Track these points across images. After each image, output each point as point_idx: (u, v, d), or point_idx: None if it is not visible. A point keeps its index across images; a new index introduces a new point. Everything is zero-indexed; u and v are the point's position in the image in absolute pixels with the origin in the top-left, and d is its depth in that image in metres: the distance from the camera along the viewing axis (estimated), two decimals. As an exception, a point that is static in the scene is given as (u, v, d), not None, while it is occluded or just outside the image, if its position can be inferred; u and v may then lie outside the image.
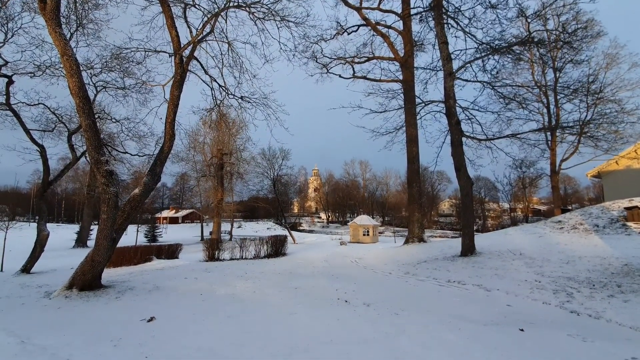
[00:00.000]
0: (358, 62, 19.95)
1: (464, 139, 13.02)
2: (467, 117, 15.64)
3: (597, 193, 58.21)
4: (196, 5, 11.09)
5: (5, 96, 13.18)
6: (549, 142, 22.40)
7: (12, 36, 12.55)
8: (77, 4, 12.37)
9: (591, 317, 5.54)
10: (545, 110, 23.17)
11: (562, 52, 20.22)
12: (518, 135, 14.46)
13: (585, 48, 18.75)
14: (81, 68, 8.58)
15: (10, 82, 13.17)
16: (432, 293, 7.69)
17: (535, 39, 13.81)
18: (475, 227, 15.87)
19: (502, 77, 15.70)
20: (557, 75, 21.66)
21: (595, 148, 17.50)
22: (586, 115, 19.98)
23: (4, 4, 10.95)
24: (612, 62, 20.53)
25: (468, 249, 11.53)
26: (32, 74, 13.48)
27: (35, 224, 15.66)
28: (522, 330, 4.78)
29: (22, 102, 14.11)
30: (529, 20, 14.80)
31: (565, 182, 66.52)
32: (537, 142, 19.06)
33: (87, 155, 13.80)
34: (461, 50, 14.24)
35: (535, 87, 22.05)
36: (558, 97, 22.01)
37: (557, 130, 21.05)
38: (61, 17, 8.28)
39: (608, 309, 5.75)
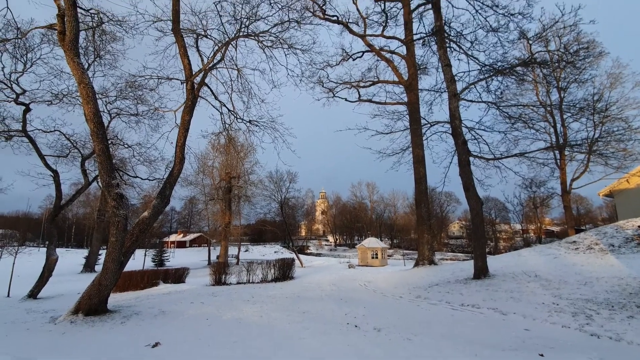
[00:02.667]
0: (363, 86, 20.39)
1: (471, 158, 12.98)
2: (473, 137, 15.64)
3: (610, 212, 56.78)
4: (208, 36, 11.64)
5: (22, 123, 13.71)
6: (558, 161, 22.14)
7: (31, 66, 13.22)
8: (96, 37, 13.08)
9: (612, 340, 5.27)
10: (552, 130, 23.10)
11: (565, 72, 20.42)
12: (526, 154, 14.38)
13: (588, 67, 18.93)
14: (97, 96, 8.95)
15: (27, 109, 13.74)
16: (446, 317, 7.40)
17: (538, 60, 14.02)
18: (487, 249, 15.47)
19: (506, 98, 15.84)
20: (562, 94, 21.76)
21: (605, 166, 17.25)
22: (594, 134, 19.85)
23: (23, 35, 11.60)
24: (616, 81, 20.58)
25: (481, 271, 11.18)
26: (50, 102, 14.07)
27: (45, 249, 15.78)
28: (541, 355, 4.53)
29: (39, 129, 14.67)
30: (530, 42, 15.11)
31: (577, 202, 65.15)
32: (546, 161, 18.92)
33: (99, 179, 14.09)
34: (464, 72, 14.50)
35: (541, 106, 22.11)
36: (564, 116, 22.00)
37: (566, 149, 20.86)
38: (80, 49, 8.74)
39: (628, 330, 5.48)
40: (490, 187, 17.30)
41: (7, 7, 10.42)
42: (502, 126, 16.58)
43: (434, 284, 11.61)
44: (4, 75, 12.75)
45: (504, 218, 67.59)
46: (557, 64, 16.66)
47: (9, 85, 13.11)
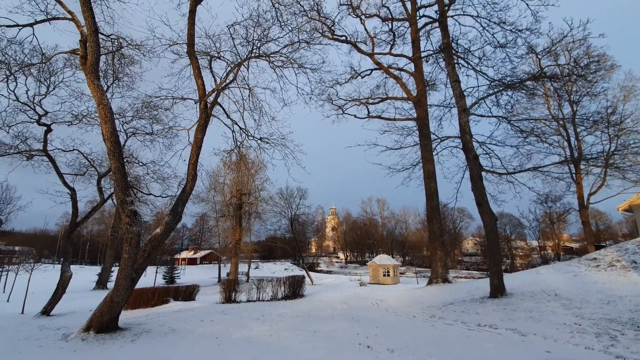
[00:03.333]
0: (372, 103, 20.61)
1: (483, 173, 12.81)
2: (485, 152, 15.50)
3: (631, 228, 54.57)
4: (221, 57, 12.07)
5: (43, 143, 14.26)
6: (574, 175, 21.64)
7: (53, 89, 13.85)
8: (115, 60, 13.69)
9: (641, 364, 4.98)
10: (565, 144, 22.72)
11: (577, 85, 20.27)
12: (540, 169, 14.12)
13: (600, 81, 18.76)
14: (114, 116, 9.28)
15: (48, 130, 14.31)
16: (462, 338, 7.13)
17: (548, 74, 13.97)
18: (503, 267, 15.00)
19: (517, 112, 15.74)
20: (575, 108, 21.51)
21: (623, 180, 16.83)
22: (609, 147, 19.44)
23: (48, 59, 12.24)
24: (630, 94, 20.29)
25: (497, 290, 10.81)
26: (70, 123, 14.65)
27: (59, 266, 16.03)
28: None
29: (58, 149, 15.21)
30: (539, 56, 15.10)
31: (596, 217, 62.87)
32: (562, 176, 18.53)
33: (114, 196, 14.38)
34: (474, 87, 14.51)
35: (553, 120, 21.86)
36: (578, 130, 21.67)
37: (582, 163, 20.43)
38: (99, 72, 9.16)
39: (659, 353, 5.17)
40: (504, 203, 16.91)
41: (33, 34, 11.08)
42: (514, 140, 16.39)
43: (448, 303, 11.27)
44: (28, 97, 13.38)
45: (519, 234, 65.63)
46: (567, 78, 16.56)
47: (32, 107, 13.73)
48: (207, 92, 10.80)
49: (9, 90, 12.47)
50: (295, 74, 12.91)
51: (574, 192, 22.14)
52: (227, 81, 11.70)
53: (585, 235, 24.23)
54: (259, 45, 11.97)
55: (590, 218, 26.92)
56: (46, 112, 14.19)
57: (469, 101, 13.69)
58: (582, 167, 21.33)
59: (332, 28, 17.62)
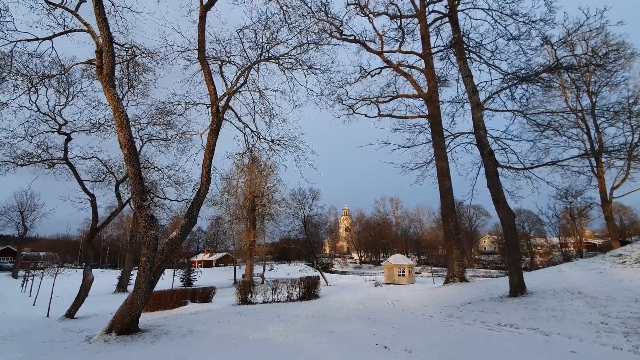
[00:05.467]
0: (383, 102, 20.43)
1: (499, 169, 12.51)
2: (500, 147, 15.14)
3: (660, 223, 52.17)
4: (231, 61, 12.23)
5: (63, 152, 14.76)
6: (595, 168, 20.85)
7: (72, 99, 14.34)
8: (129, 69, 14.05)
9: (676, 365, 4.73)
10: (585, 136, 21.94)
11: (595, 75, 19.57)
12: (559, 163, 13.66)
13: (620, 70, 18.05)
14: (130, 123, 9.51)
15: (68, 139, 14.81)
16: (481, 338, 6.97)
17: (564, 65, 13.55)
18: (522, 265, 14.59)
19: (533, 105, 15.31)
20: (594, 99, 20.76)
21: (649, 172, 16.08)
22: (632, 138, 18.67)
23: (66, 71, 12.67)
24: (652, 83, 19.42)
25: (517, 288, 10.53)
26: (88, 131, 15.12)
27: (82, 270, 16.54)
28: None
29: (78, 156, 15.74)
30: (555, 47, 14.65)
31: (619, 212, 60.40)
32: (582, 169, 17.83)
33: (131, 201, 14.73)
34: (487, 81, 14.22)
35: (571, 112, 21.15)
36: (598, 122, 20.88)
37: (603, 156, 19.67)
38: (115, 80, 9.42)
39: (697, 355, 4.90)
40: (521, 199, 16.45)
41: (52, 47, 11.49)
42: (531, 135, 15.91)
43: (466, 303, 11.04)
44: (49, 108, 13.88)
45: (539, 231, 63.58)
46: (585, 68, 15.99)
47: (53, 117, 14.24)
48: (218, 97, 10.95)
49: (30, 102, 12.97)
50: (305, 75, 12.94)
51: (596, 187, 21.31)
52: (238, 85, 11.83)
53: (608, 231, 23.37)
54: (268, 48, 12.07)
55: (614, 213, 25.96)
56: (66, 122, 14.69)
57: (482, 96, 13.42)
58: (603, 160, 20.53)
59: (340, 28, 17.58)
